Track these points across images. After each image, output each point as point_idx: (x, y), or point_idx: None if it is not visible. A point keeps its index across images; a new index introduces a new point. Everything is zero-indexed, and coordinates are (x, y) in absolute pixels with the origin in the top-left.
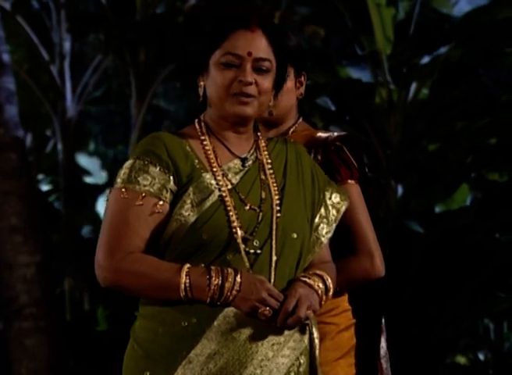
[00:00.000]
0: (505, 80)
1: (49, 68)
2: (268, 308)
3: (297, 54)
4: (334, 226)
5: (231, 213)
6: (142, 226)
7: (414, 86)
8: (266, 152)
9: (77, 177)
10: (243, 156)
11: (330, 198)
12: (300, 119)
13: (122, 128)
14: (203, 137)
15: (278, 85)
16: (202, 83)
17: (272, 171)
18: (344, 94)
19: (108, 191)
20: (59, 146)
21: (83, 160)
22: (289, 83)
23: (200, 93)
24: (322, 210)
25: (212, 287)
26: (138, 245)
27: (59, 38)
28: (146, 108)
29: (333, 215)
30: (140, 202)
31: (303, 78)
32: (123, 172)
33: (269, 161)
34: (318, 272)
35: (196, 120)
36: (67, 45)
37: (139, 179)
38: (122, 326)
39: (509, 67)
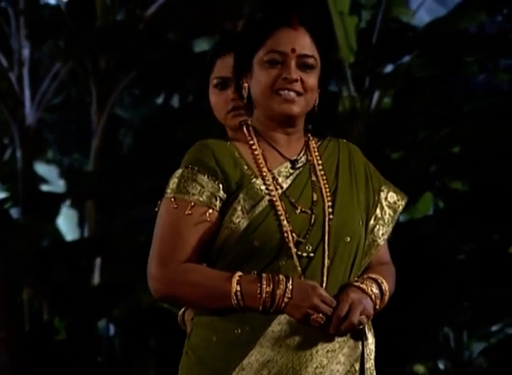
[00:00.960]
0: (467, 89)
1: (8, 75)
2: (320, 314)
3: None
4: (391, 226)
5: (282, 218)
6: (192, 236)
7: (376, 95)
8: (317, 153)
9: (35, 185)
10: (293, 158)
11: (386, 198)
12: None
13: (78, 136)
14: (251, 142)
15: (323, 83)
16: (246, 84)
17: (323, 172)
18: None
19: (159, 202)
20: (18, 154)
21: (41, 168)
22: None
23: (245, 95)
24: (378, 211)
25: (264, 295)
26: (189, 255)
27: (18, 45)
28: (106, 116)
29: (390, 215)
30: (190, 212)
31: None
32: (172, 181)
33: (320, 162)
34: (372, 276)
35: (244, 125)
36: (26, 52)
37: (188, 188)
38: (81, 336)
39: (471, 77)
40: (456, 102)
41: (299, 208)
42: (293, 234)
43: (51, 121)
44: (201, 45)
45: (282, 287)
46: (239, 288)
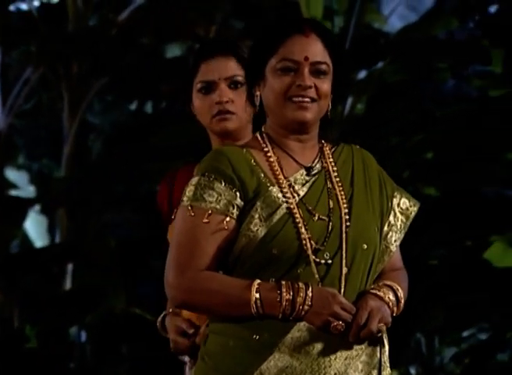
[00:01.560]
0: (439, 95)
1: None
2: (340, 322)
3: None
4: (403, 233)
5: (300, 225)
6: (210, 244)
7: (350, 101)
8: (332, 160)
9: (4, 191)
10: (308, 165)
11: (399, 205)
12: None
13: (48, 142)
14: (266, 149)
15: (336, 89)
16: (258, 92)
17: (338, 179)
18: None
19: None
20: None
21: (11, 174)
22: (244, 95)
23: (257, 103)
24: (391, 218)
25: (284, 303)
26: (207, 263)
27: None
28: (78, 121)
29: (402, 221)
30: (207, 220)
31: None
32: (189, 189)
33: (335, 169)
34: (388, 283)
35: (257, 132)
36: None
37: (204, 196)
38: (53, 343)
39: (443, 83)
40: (428, 108)
41: (316, 215)
42: (312, 242)
43: (21, 126)
44: (173, 51)
45: (302, 294)
46: (258, 296)
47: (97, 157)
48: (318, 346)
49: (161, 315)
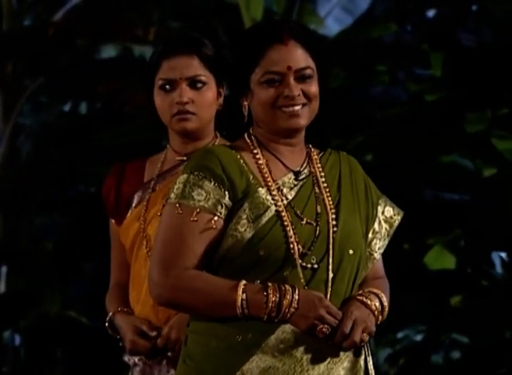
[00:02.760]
0: (378, 97)
1: None
2: (326, 326)
3: (218, 63)
4: (387, 241)
5: (288, 228)
6: (197, 243)
7: None
8: (319, 165)
9: None
10: (296, 170)
11: (383, 212)
12: (218, 135)
13: None
14: (255, 151)
15: (322, 87)
16: (246, 103)
17: (326, 185)
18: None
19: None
20: None
21: None
22: (211, 93)
23: (245, 112)
24: (376, 225)
25: (270, 305)
26: (193, 262)
27: None
28: (12, 123)
29: (386, 229)
30: (195, 218)
31: (222, 88)
32: (177, 187)
33: (322, 174)
34: (374, 290)
35: (245, 134)
36: None
37: (193, 194)
38: None
39: (381, 85)
40: (367, 111)
41: (304, 219)
42: (299, 246)
43: None
44: (108, 51)
45: (288, 297)
46: (244, 297)
47: (26, 158)
48: (302, 348)
49: (110, 314)
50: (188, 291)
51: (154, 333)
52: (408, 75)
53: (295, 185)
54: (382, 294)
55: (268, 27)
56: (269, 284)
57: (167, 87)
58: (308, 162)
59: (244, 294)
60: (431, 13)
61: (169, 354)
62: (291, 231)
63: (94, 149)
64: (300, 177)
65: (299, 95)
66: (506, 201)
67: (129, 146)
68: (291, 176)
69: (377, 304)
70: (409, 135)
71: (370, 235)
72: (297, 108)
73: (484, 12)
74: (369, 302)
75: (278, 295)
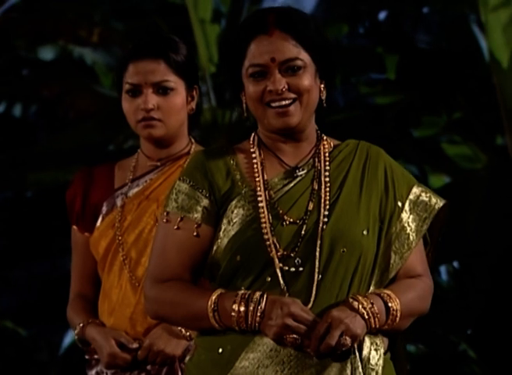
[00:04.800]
0: (330, 102)
1: None
2: (293, 334)
3: (188, 66)
4: (421, 234)
5: (265, 231)
6: (179, 252)
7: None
8: (328, 159)
9: None
10: (293, 166)
11: (416, 204)
12: (193, 141)
13: None
14: (252, 150)
15: (327, 74)
16: (244, 98)
17: (328, 179)
18: None
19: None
20: None
21: None
22: (179, 98)
23: (244, 109)
24: (405, 219)
25: (236, 314)
26: (178, 273)
27: None
28: None
29: (421, 221)
30: (177, 226)
31: (194, 92)
32: (168, 194)
33: (327, 168)
34: (378, 290)
35: (253, 133)
36: None
37: (178, 200)
38: None
39: (334, 90)
40: (318, 114)
41: (287, 219)
42: (279, 248)
43: None
44: (47, 53)
45: (253, 306)
46: (215, 308)
47: None
48: (282, 358)
49: (79, 325)
50: (167, 303)
51: (135, 346)
52: (362, 78)
53: (289, 182)
54: (390, 295)
55: (256, 17)
56: (239, 292)
57: (132, 92)
58: (314, 157)
59: (215, 305)
60: (382, 15)
61: (148, 367)
62: (269, 233)
63: (33, 154)
64: (298, 173)
65: (284, 89)
66: (458, 210)
67: (71, 151)
68: (287, 173)
69: (368, 306)
70: (362, 139)
71: (392, 231)
72: (284, 103)
73: (435, 15)
74: (356, 304)
75: (245, 304)
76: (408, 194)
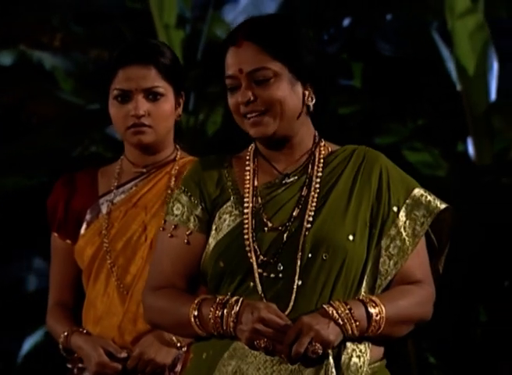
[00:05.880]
0: None
1: None
2: (264, 339)
3: (176, 72)
4: (418, 238)
5: (246, 236)
6: (172, 260)
7: (203, 113)
8: (321, 165)
9: None
10: (284, 173)
11: (413, 209)
12: (178, 148)
13: None
14: (247, 157)
15: (312, 80)
16: None
17: (318, 185)
18: None
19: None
20: None
21: None
22: (168, 105)
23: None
24: (401, 224)
25: (213, 319)
26: (172, 281)
27: None
28: None
29: (418, 226)
30: (172, 234)
31: (181, 98)
32: (168, 202)
33: (319, 175)
34: (363, 297)
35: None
36: None
37: (173, 209)
38: None
39: None
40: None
41: (269, 225)
42: (259, 254)
43: None
44: (6, 58)
45: (227, 310)
46: (196, 314)
47: None
48: (257, 364)
49: (64, 333)
50: (157, 310)
51: (124, 355)
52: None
53: (277, 189)
54: (376, 301)
55: (233, 29)
56: (219, 298)
57: (122, 97)
58: (308, 163)
59: (196, 311)
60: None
61: None
62: (250, 239)
63: None
64: (288, 180)
65: (252, 101)
66: None
67: (34, 157)
68: (276, 180)
69: (345, 311)
70: None
71: (385, 238)
72: (254, 115)
73: (399, 22)
74: (331, 310)
75: (221, 309)
76: (406, 199)
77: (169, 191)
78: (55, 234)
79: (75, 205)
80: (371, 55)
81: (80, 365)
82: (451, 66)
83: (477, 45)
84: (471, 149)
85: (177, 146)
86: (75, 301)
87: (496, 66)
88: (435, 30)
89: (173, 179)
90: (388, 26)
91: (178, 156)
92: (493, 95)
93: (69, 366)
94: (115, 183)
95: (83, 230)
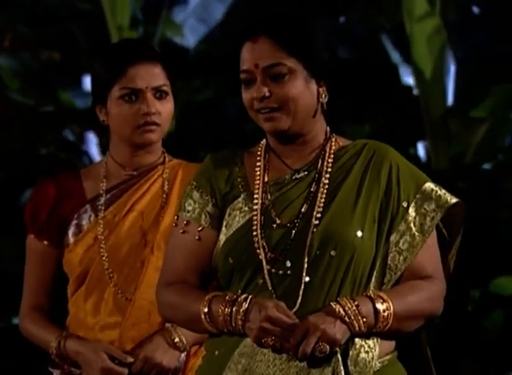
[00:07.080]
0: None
1: None
2: (272, 337)
3: (171, 71)
4: (427, 234)
5: (255, 233)
6: (184, 256)
7: None
8: (331, 160)
9: None
10: (295, 168)
11: (423, 204)
12: (164, 150)
13: None
14: (259, 153)
15: (322, 75)
16: None
17: (327, 181)
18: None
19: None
20: None
21: None
22: (172, 102)
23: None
24: (410, 219)
25: (222, 317)
26: (183, 276)
27: None
28: None
29: (430, 221)
30: (184, 230)
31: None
32: (181, 198)
33: (329, 170)
34: (370, 292)
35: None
36: None
37: (185, 205)
38: None
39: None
40: (235, 124)
41: (278, 222)
42: (267, 251)
43: None
44: None
45: (235, 308)
46: (206, 310)
47: None
48: (266, 361)
49: (57, 339)
50: (169, 306)
51: (131, 360)
52: None
53: (286, 185)
54: (384, 297)
55: (248, 24)
56: (229, 295)
57: (130, 97)
58: (318, 158)
59: (206, 308)
60: None
61: None
62: (258, 236)
63: None
64: (297, 176)
65: (266, 97)
66: None
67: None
68: (287, 176)
69: (352, 308)
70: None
71: (394, 233)
72: (267, 111)
73: (353, 25)
74: (338, 308)
75: (230, 307)
76: (416, 194)
77: (164, 196)
78: (32, 236)
79: (62, 209)
80: (329, 57)
81: (72, 369)
82: (404, 70)
83: (434, 49)
84: (426, 153)
85: (164, 150)
86: (51, 306)
87: (453, 69)
88: (387, 34)
89: (167, 183)
90: (342, 29)
91: (166, 159)
92: (450, 99)
93: (52, 369)
94: (104, 187)
95: (71, 235)
